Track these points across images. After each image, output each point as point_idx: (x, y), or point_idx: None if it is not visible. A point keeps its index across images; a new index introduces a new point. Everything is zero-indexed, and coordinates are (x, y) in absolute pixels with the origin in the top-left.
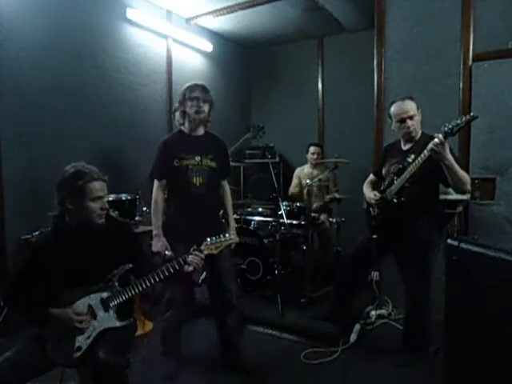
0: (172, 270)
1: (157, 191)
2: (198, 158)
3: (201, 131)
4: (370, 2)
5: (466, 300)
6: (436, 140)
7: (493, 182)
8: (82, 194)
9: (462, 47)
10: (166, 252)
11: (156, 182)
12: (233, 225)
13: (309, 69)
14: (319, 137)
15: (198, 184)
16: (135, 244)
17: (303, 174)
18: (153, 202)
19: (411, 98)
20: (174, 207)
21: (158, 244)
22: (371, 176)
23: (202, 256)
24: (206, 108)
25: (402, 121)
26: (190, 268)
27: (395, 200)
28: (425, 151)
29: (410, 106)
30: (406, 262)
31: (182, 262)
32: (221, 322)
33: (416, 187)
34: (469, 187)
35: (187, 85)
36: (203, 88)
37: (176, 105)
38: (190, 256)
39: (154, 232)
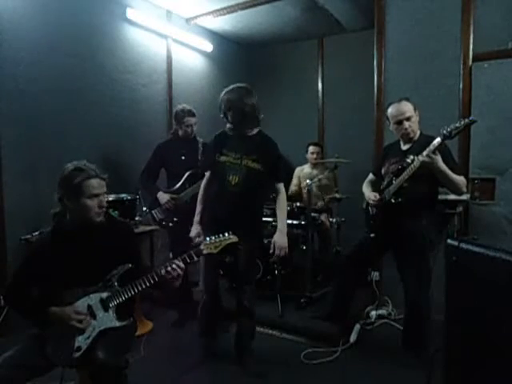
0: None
1: (205, 181)
2: (237, 157)
3: (253, 131)
4: (370, 1)
5: (466, 300)
6: (424, 154)
7: (493, 182)
8: (79, 192)
9: (462, 47)
10: (197, 239)
11: (206, 173)
12: (281, 228)
13: (309, 69)
14: (319, 137)
15: (233, 183)
16: (134, 244)
17: (303, 173)
18: (201, 189)
19: (408, 100)
20: (209, 202)
21: (194, 230)
22: (370, 175)
23: (182, 266)
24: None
25: (399, 122)
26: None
27: (393, 200)
28: (414, 163)
29: (407, 108)
30: (404, 261)
31: (182, 263)
32: (236, 322)
33: (415, 187)
34: (464, 190)
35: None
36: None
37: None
38: (168, 267)
39: (195, 218)
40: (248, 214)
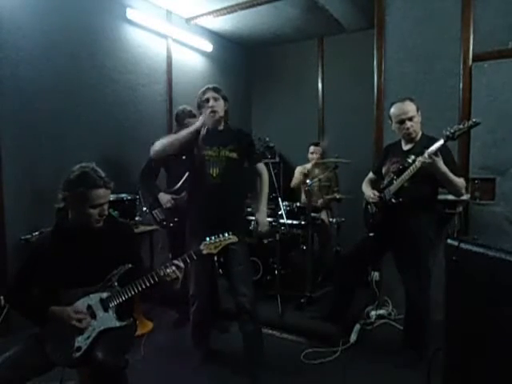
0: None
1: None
2: (215, 149)
3: (221, 126)
4: (369, 2)
5: (466, 300)
6: (425, 155)
7: (493, 182)
8: (83, 200)
9: (462, 47)
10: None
11: None
12: (263, 208)
13: (309, 69)
14: (319, 137)
15: (214, 175)
16: (135, 245)
17: (305, 172)
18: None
19: (411, 100)
20: (193, 198)
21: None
22: (370, 174)
23: (182, 266)
24: (219, 107)
25: (402, 122)
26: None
27: (393, 200)
28: (416, 163)
29: (410, 107)
30: (404, 261)
31: (182, 263)
32: (239, 325)
33: (415, 187)
34: (463, 192)
35: (200, 90)
36: (214, 88)
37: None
38: (167, 269)
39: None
40: (234, 204)
